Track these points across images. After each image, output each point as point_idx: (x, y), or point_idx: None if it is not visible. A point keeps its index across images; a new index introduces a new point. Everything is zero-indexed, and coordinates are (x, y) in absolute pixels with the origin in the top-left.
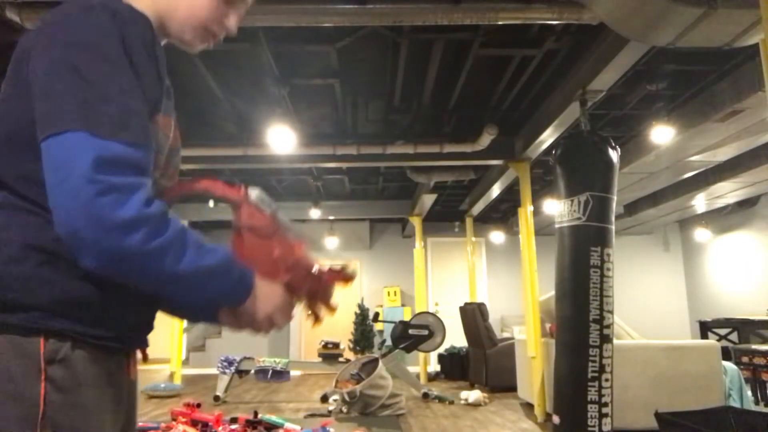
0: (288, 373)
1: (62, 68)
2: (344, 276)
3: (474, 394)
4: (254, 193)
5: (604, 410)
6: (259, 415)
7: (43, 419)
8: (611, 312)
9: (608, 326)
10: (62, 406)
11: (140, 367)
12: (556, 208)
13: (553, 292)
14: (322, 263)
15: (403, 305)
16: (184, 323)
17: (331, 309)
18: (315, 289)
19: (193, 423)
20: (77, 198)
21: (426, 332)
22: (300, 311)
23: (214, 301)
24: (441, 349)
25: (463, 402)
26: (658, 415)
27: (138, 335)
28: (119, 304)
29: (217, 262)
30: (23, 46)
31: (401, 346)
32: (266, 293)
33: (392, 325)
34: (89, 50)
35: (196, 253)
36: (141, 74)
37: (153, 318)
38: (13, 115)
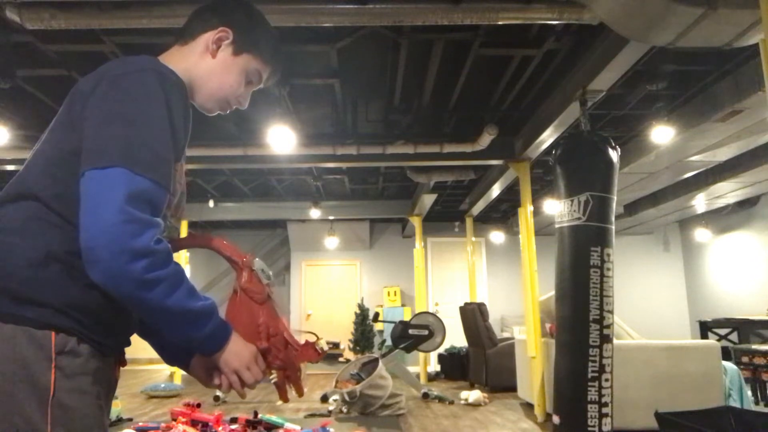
0: None
1: (113, 117)
2: (315, 352)
3: (474, 394)
4: (257, 262)
5: (604, 410)
6: (259, 415)
7: (53, 400)
8: (611, 312)
9: (608, 326)
10: (68, 391)
11: (139, 367)
12: (556, 208)
13: (553, 292)
14: (298, 336)
15: (403, 305)
16: None
17: (299, 390)
18: (287, 365)
19: (193, 423)
20: (106, 222)
21: (426, 332)
22: (270, 381)
23: (190, 341)
24: (441, 349)
25: (463, 402)
26: (658, 415)
27: (123, 344)
28: (114, 316)
29: (201, 309)
30: (80, 89)
31: (401, 346)
32: (238, 350)
33: (392, 325)
34: (139, 104)
35: (186, 295)
36: (176, 129)
37: (132, 334)
38: (59, 143)
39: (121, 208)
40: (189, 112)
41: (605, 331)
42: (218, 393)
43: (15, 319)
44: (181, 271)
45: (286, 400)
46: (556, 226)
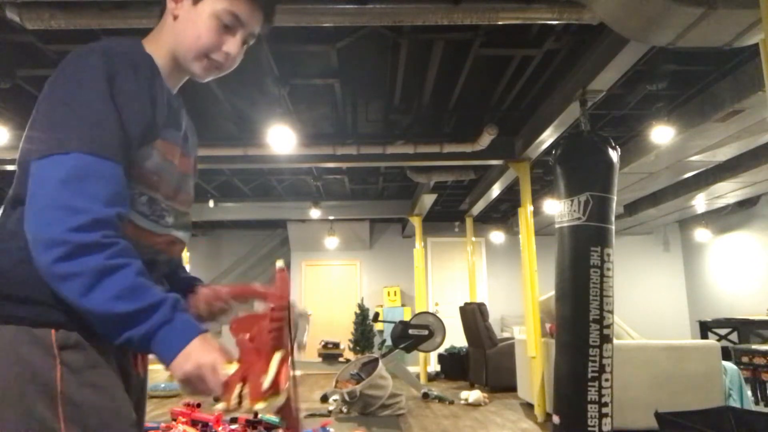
0: None
1: (49, 104)
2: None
3: (474, 394)
4: (300, 310)
5: (604, 410)
6: (259, 415)
7: (63, 398)
8: (611, 312)
9: (608, 326)
10: (78, 386)
11: (150, 367)
12: (556, 208)
13: (553, 292)
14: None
15: (403, 305)
16: None
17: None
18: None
19: (193, 423)
20: (32, 212)
21: (426, 332)
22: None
23: (130, 343)
24: (441, 349)
25: (463, 402)
26: (658, 415)
27: None
28: None
29: (129, 312)
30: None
31: (401, 346)
32: (193, 353)
33: (392, 325)
34: (73, 84)
35: (111, 295)
36: (127, 102)
37: None
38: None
39: (49, 196)
40: (154, 83)
41: (605, 331)
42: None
43: (13, 320)
44: (114, 267)
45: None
46: (556, 226)
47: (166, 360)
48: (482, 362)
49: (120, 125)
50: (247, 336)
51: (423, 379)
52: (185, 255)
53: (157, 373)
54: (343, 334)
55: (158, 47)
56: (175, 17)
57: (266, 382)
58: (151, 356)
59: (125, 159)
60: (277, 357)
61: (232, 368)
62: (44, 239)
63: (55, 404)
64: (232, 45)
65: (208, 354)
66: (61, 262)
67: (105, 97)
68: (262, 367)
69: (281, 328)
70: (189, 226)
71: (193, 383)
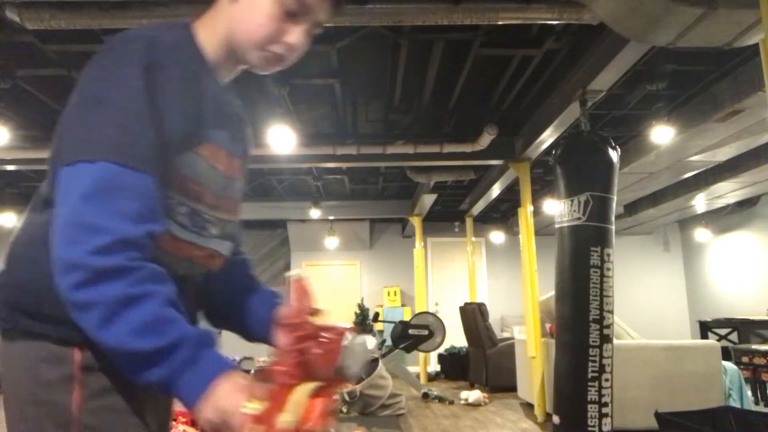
0: None
1: (80, 103)
2: None
3: (474, 394)
4: (359, 338)
5: (604, 410)
6: None
7: (79, 423)
8: (611, 312)
9: (608, 326)
10: (97, 410)
11: None
12: (556, 208)
13: (553, 292)
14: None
15: (403, 305)
16: None
17: None
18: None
19: (194, 423)
20: (56, 227)
21: (426, 332)
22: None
23: (148, 383)
24: (441, 349)
25: (463, 402)
26: (658, 415)
27: None
28: None
29: (150, 350)
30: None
31: (401, 346)
32: (221, 402)
33: (392, 325)
34: (107, 81)
35: (131, 330)
36: (167, 104)
37: None
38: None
39: (71, 211)
40: (202, 80)
41: (605, 331)
42: None
43: (33, 336)
44: (136, 297)
45: None
46: (556, 226)
47: (188, 405)
48: (482, 362)
49: (157, 130)
50: (277, 367)
51: (423, 379)
52: None
53: None
54: None
55: (211, 33)
56: (233, 1)
57: (284, 422)
58: None
59: (160, 168)
60: (303, 390)
61: (261, 406)
62: (63, 261)
63: (70, 429)
64: (296, 35)
65: (232, 397)
66: (79, 289)
67: (143, 96)
68: (278, 405)
69: (310, 353)
70: (235, 235)
71: (218, 429)
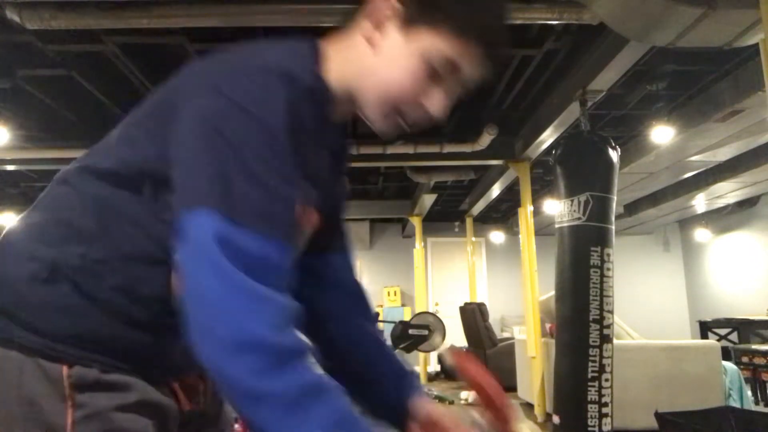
0: None
1: (210, 132)
2: None
3: (474, 394)
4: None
5: (604, 410)
6: None
7: None
8: (611, 312)
9: (608, 326)
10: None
11: None
12: (556, 208)
13: (553, 292)
14: None
15: (403, 305)
16: None
17: None
18: None
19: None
20: (199, 285)
21: (426, 332)
22: None
23: None
24: (441, 349)
25: (463, 402)
26: (658, 415)
27: (173, 370)
28: (149, 344)
29: None
30: (176, 86)
31: (401, 346)
32: None
33: (392, 325)
34: (249, 121)
35: (315, 426)
36: (302, 156)
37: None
38: (125, 154)
39: (219, 267)
40: (326, 129)
41: (605, 331)
42: None
43: (20, 348)
44: (320, 386)
45: None
46: (556, 226)
47: None
48: (482, 362)
49: (298, 190)
50: None
51: (423, 379)
52: None
53: None
54: None
55: (335, 71)
56: (373, 44)
57: None
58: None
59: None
60: None
61: None
62: (231, 335)
63: None
64: (437, 102)
65: None
66: (262, 376)
67: (290, 151)
68: None
69: None
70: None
71: None
